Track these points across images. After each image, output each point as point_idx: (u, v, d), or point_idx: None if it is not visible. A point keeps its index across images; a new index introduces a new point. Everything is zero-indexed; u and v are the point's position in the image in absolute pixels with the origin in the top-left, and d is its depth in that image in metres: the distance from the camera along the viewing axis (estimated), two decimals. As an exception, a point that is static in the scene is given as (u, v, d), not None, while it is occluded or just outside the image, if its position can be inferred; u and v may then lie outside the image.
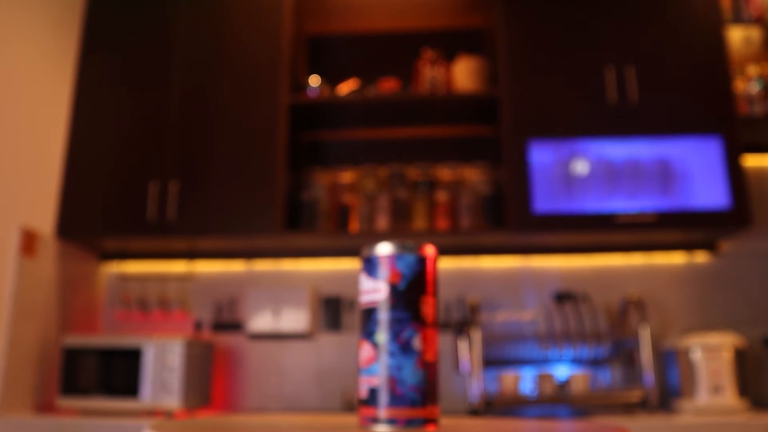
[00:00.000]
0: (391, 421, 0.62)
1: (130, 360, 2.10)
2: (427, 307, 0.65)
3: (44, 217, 2.26)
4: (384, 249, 0.66)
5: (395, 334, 0.64)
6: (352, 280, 2.54)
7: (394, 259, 0.65)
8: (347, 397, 2.43)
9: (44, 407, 2.21)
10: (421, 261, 0.66)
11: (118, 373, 2.10)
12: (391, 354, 0.63)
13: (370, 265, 0.66)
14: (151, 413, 2.11)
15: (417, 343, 0.64)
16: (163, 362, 2.09)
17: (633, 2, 2.35)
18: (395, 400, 0.62)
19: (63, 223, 2.30)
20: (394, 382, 0.63)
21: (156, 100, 2.39)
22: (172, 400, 2.06)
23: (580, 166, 2.24)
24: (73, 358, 2.13)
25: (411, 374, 0.63)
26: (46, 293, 2.24)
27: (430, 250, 0.67)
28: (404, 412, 0.62)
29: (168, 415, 2.09)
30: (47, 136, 2.30)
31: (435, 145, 2.61)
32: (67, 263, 2.37)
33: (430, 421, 0.63)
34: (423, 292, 0.65)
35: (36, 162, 2.23)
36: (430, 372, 0.64)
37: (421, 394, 0.63)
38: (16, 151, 2.14)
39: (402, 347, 0.63)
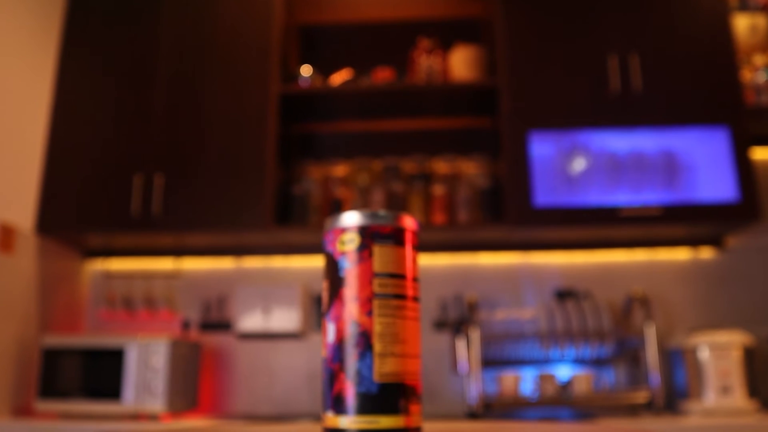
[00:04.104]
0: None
1: (112, 361, 2.01)
2: (323, 294, 0.56)
3: (23, 211, 2.16)
4: None
5: None
6: (345, 277, 2.45)
7: None
8: (340, 399, 2.34)
9: (21, 411, 2.11)
10: (325, 242, 0.57)
11: (99, 374, 2.01)
12: None
13: None
14: (135, 417, 2.02)
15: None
16: (147, 363, 2.00)
17: (636, -11, 2.27)
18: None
19: (43, 218, 2.20)
20: None
21: (141, 91, 2.30)
22: (156, 403, 1.97)
23: (581, 162, 2.15)
24: (52, 359, 2.04)
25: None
26: (24, 291, 2.14)
27: (335, 224, 0.56)
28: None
29: (152, 418, 2.00)
30: (27, 126, 2.20)
31: (431, 137, 2.53)
32: (47, 260, 2.27)
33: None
34: (325, 278, 0.56)
35: (15, 154, 2.13)
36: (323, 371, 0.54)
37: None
38: (-7, 142, 2.04)
39: None
